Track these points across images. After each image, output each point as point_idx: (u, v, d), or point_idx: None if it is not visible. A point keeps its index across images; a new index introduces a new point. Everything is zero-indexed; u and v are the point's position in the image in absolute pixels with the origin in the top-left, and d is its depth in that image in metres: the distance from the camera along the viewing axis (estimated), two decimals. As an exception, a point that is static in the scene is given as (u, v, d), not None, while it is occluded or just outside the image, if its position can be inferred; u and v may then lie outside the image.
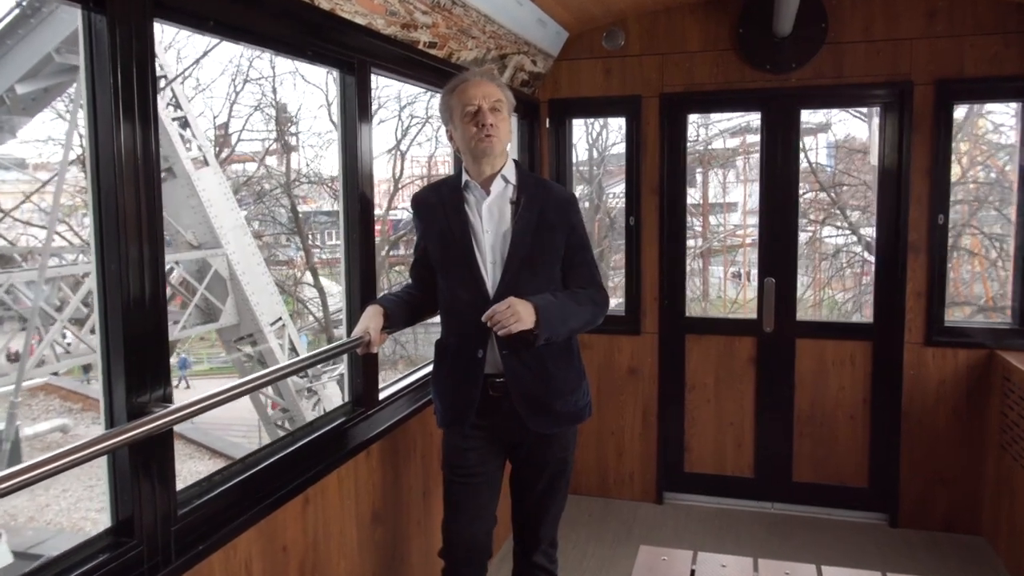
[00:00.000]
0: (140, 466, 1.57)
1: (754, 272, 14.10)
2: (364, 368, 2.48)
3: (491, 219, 2.23)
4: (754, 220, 13.54)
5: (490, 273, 2.21)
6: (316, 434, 2.24)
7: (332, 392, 11.47)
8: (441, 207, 2.29)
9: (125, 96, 1.49)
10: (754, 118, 12.25)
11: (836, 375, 3.93)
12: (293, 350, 10.47)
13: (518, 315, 2.05)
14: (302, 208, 15.72)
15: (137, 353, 1.56)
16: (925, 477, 3.79)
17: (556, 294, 2.22)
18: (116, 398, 1.55)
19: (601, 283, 2.36)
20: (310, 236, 16.04)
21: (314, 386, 11.11)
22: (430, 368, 3.02)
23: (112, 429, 1.39)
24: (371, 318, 2.18)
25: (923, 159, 3.64)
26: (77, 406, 15.55)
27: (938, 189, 3.64)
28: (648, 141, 4.01)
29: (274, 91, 15.25)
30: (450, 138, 2.29)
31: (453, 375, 2.30)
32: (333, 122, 14.47)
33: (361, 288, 2.45)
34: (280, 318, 10.35)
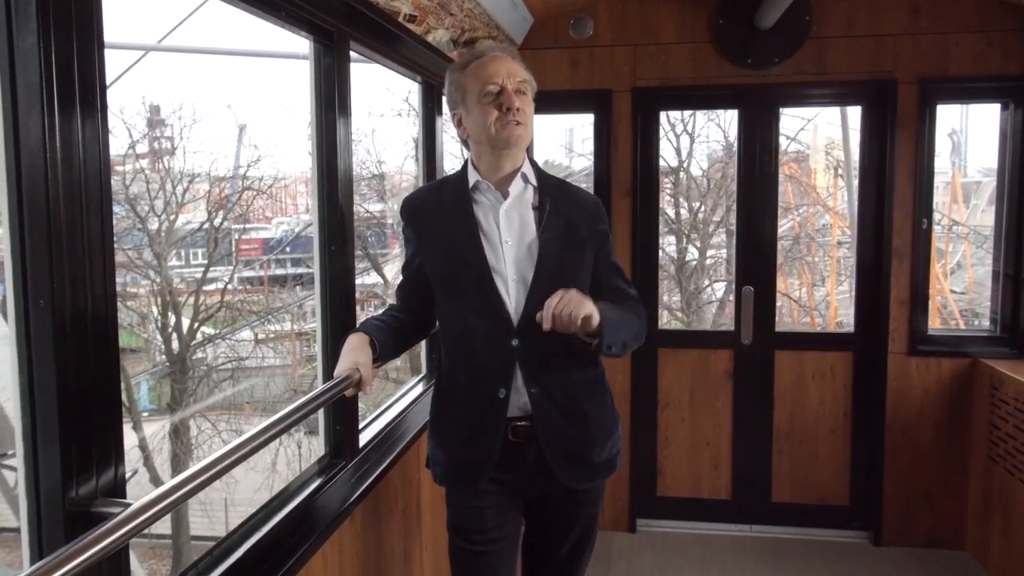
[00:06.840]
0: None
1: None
2: (346, 411, 2.00)
3: (511, 228, 1.80)
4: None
5: (512, 294, 1.77)
6: (294, 503, 1.74)
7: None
8: (442, 213, 1.84)
9: (60, 53, 0.99)
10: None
11: (816, 388, 3.73)
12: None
13: (583, 303, 1.60)
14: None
15: (78, 422, 1.05)
16: (909, 492, 3.63)
17: (604, 300, 1.80)
18: (46, 495, 1.04)
19: (639, 300, 1.99)
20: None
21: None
22: (409, 400, 2.60)
23: (47, 561, 0.89)
24: (357, 350, 1.69)
25: (907, 161, 3.48)
26: None
27: (922, 192, 3.49)
28: (620, 139, 3.67)
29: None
30: (458, 124, 1.84)
31: (465, 421, 1.84)
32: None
33: (342, 312, 1.97)
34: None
